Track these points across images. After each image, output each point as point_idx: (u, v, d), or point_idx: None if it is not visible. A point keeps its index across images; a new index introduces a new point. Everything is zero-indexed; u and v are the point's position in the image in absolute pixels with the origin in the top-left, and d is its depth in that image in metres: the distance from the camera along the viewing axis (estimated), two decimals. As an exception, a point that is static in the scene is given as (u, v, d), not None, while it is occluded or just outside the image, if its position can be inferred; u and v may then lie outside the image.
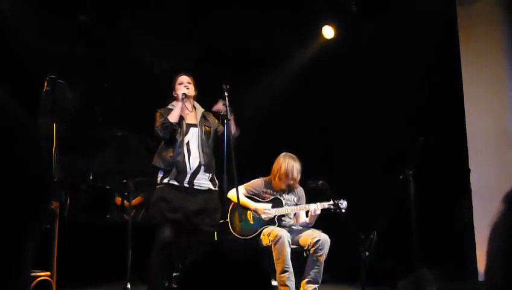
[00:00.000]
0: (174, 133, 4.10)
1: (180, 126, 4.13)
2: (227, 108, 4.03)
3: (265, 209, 4.80)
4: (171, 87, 4.35)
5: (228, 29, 6.34)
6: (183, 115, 4.19)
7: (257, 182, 4.99)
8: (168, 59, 6.46)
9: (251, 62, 6.69)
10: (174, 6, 6.09)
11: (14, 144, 0.59)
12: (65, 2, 5.73)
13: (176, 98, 4.25)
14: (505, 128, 5.29)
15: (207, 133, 4.23)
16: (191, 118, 4.27)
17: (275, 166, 4.91)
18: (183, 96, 4.16)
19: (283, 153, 4.95)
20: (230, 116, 4.08)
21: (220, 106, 4.17)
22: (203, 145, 4.16)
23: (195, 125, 4.22)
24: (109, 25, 6.10)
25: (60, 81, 4.05)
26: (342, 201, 4.64)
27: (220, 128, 4.28)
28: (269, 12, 6.25)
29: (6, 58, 5.02)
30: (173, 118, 4.10)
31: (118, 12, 6.09)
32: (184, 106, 4.19)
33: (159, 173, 4.15)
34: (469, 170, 5.30)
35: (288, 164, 4.83)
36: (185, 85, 4.24)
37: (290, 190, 4.95)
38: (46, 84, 4.03)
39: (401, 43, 5.83)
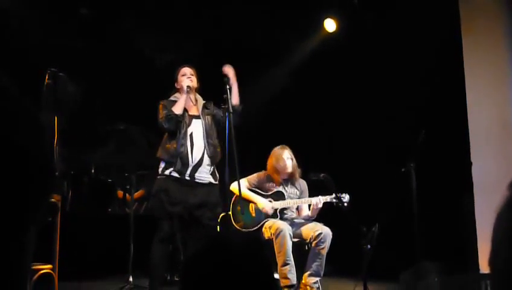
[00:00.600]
0: (178, 125, 4.08)
1: (184, 118, 4.12)
2: (229, 101, 4.02)
3: (265, 208, 4.80)
4: (172, 80, 4.35)
5: (229, 22, 6.32)
6: (186, 106, 4.18)
7: (260, 175, 5.01)
8: (169, 52, 6.44)
9: (252, 55, 6.67)
10: (177, 0, 6.08)
11: (19, 132, 0.59)
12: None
13: (179, 90, 4.24)
14: (507, 121, 5.27)
15: (210, 123, 4.23)
16: (194, 109, 4.25)
17: (268, 161, 4.96)
18: (188, 89, 4.15)
19: (275, 147, 5.00)
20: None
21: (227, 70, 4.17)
22: (208, 137, 4.15)
23: (198, 117, 4.21)
24: (110, 18, 6.09)
25: (61, 74, 4.04)
26: (344, 195, 4.64)
27: (218, 113, 4.26)
28: (271, 6, 6.23)
29: (7, 51, 5.01)
30: (177, 109, 4.08)
31: (119, 6, 6.08)
32: (188, 97, 4.18)
33: (161, 163, 4.14)
34: (471, 163, 5.28)
35: (275, 155, 4.90)
36: (188, 76, 4.23)
37: (292, 182, 4.96)
38: (47, 77, 4.02)
39: (403, 36, 5.81)
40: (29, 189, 0.60)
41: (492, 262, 0.78)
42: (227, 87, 4.05)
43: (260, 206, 4.81)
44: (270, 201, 4.86)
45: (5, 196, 0.57)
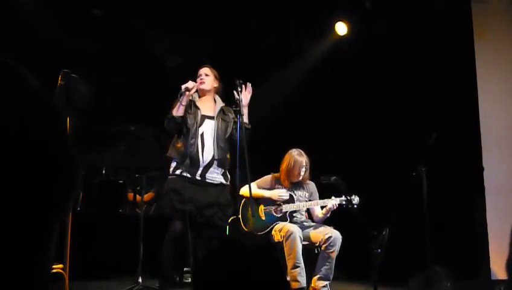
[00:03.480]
0: (179, 127, 4.07)
1: (195, 117, 4.10)
2: (241, 103, 4.02)
3: (280, 194, 4.78)
4: (183, 81, 4.34)
5: (241, 25, 6.33)
6: (199, 106, 4.16)
7: (268, 179, 4.99)
8: (181, 54, 6.47)
9: (264, 58, 6.68)
10: (188, 1, 6.10)
11: (43, 125, 0.60)
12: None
13: (197, 91, 4.23)
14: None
15: (224, 128, 4.20)
16: (209, 110, 4.22)
17: (282, 163, 4.92)
18: (185, 90, 4.07)
19: (290, 150, 4.94)
20: (243, 111, 4.07)
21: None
22: (218, 139, 4.12)
23: (211, 118, 4.18)
24: (123, 19, 6.12)
25: (74, 75, 4.07)
26: (354, 197, 4.63)
27: (235, 134, 4.18)
28: (282, 8, 6.23)
29: (21, 52, 5.05)
30: (176, 111, 4.06)
31: (132, 7, 6.11)
32: (184, 99, 4.07)
33: (172, 163, 4.13)
34: (483, 168, 5.25)
35: (291, 160, 4.84)
36: (201, 78, 4.22)
37: (301, 186, 4.94)
38: (60, 78, 4.05)
39: (415, 40, 5.79)
40: (58, 185, 0.61)
41: (510, 267, 0.77)
42: (239, 89, 4.04)
43: (275, 196, 4.79)
44: (279, 204, 4.85)
45: (33, 193, 0.58)
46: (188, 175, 4.04)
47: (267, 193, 4.85)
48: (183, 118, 4.07)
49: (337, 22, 6.51)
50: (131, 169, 5.53)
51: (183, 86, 4.10)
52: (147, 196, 5.76)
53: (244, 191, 4.48)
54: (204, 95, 4.24)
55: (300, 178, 4.87)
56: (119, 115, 5.84)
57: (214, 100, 4.29)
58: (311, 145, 5.11)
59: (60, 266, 3.86)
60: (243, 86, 4.12)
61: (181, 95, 4.07)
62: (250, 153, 3.91)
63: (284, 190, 4.83)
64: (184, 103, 4.08)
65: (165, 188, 4.14)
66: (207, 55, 6.15)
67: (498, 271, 4.93)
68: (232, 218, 4.58)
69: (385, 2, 6.05)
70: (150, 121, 5.44)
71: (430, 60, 5.64)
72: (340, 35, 6.56)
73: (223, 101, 4.33)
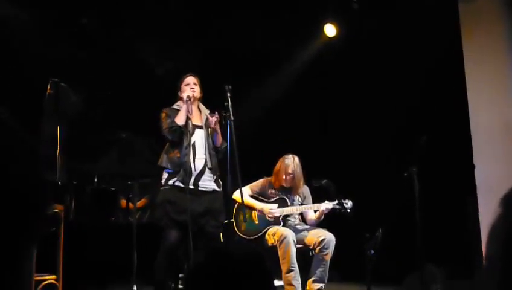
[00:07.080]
0: (182, 136, 4.09)
1: (187, 127, 4.11)
2: (230, 109, 4.03)
3: (271, 210, 4.80)
4: (172, 88, 4.35)
5: (230, 29, 6.33)
6: (189, 116, 4.18)
7: (262, 182, 5.00)
8: (171, 60, 6.46)
9: (253, 62, 6.69)
10: (177, 8, 6.09)
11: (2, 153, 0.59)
12: (67, 6, 5.74)
13: (181, 99, 4.24)
14: (509, 123, 5.26)
15: (211, 135, 4.23)
16: (197, 119, 4.25)
17: (276, 165, 4.95)
18: (188, 99, 4.15)
19: (286, 154, 4.96)
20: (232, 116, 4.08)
21: (212, 119, 4.17)
22: (209, 148, 4.15)
23: (200, 127, 4.21)
24: (112, 27, 6.10)
25: (63, 84, 4.06)
26: (347, 201, 4.64)
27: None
28: (271, 12, 6.24)
29: (9, 62, 5.03)
30: (180, 120, 4.08)
31: (121, 14, 6.10)
32: (190, 107, 4.16)
33: (164, 174, 4.14)
34: (474, 167, 5.27)
35: (280, 164, 4.87)
36: (191, 87, 4.22)
37: (295, 189, 4.94)
38: (49, 87, 4.05)
39: (404, 40, 5.82)
40: (20, 208, 0.60)
41: (486, 277, 0.77)
42: (228, 95, 4.06)
43: (266, 212, 4.80)
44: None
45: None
46: (181, 185, 4.04)
47: (258, 206, 4.85)
48: (185, 126, 4.09)
49: (325, 23, 6.52)
50: (123, 176, 5.51)
51: (185, 96, 4.13)
52: (140, 203, 5.74)
53: (236, 195, 4.49)
54: (193, 104, 4.25)
55: (286, 185, 4.87)
56: (110, 123, 5.82)
57: (199, 108, 4.31)
58: (303, 148, 5.12)
59: (53, 276, 3.85)
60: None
61: (187, 102, 4.11)
62: (242, 158, 3.92)
63: (275, 206, 4.83)
64: (190, 111, 4.12)
65: (159, 199, 4.14)
66: (196, 62, 6.15)
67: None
68: (225, 222, 4.58)
69: (373, 3, 6.07)
70: (141, 128, 5.43)
71: (419, 60, 5.67)
72: (329, 37, 6.57)
73: (210, 106, 4.35)
